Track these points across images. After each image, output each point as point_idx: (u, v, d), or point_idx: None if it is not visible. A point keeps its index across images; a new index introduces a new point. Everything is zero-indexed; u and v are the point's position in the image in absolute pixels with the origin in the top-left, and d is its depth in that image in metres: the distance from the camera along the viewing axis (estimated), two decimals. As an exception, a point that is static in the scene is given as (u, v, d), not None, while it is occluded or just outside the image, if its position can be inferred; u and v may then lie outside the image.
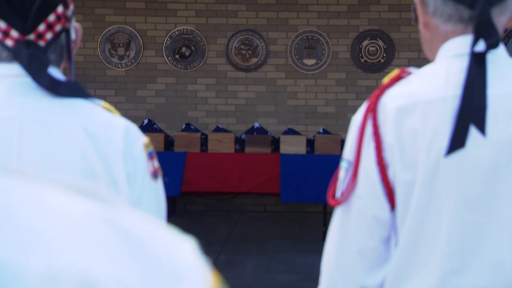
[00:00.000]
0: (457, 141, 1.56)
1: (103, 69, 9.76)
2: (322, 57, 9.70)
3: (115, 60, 9.74)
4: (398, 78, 1.68)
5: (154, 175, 1.68)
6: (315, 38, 9.71)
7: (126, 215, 0.49)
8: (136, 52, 9.71)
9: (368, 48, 9.69)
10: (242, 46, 9.73)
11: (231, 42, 9.74)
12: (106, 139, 1.63)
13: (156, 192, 1.69)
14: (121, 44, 9.71)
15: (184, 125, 9.08)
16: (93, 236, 0.45)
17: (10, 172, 0.48)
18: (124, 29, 9.71)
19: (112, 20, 9.75)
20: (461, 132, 1.56)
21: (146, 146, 1.68)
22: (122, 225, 0.48)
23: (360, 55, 9.70)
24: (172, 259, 0.48)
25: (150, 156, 1.68)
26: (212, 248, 7.46)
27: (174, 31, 9.71)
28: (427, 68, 1.68)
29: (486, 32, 1.59)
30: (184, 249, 0.50)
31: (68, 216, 0.46)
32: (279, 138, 8.62)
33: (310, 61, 9.71)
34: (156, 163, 1.70)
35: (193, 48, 9.72)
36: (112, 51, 9.73)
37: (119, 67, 9.75)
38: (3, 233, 0.43)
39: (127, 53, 9.72)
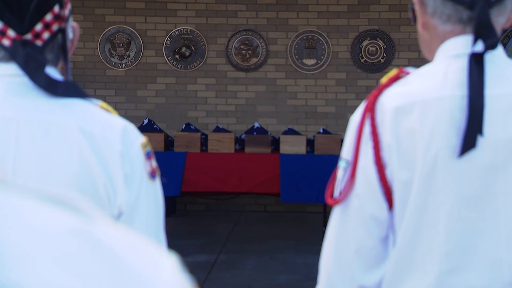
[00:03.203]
0: (469, 142, 1.57)
1: (103, 69, 9.76)
2: (322, 57, 9.71)
3: (115, 60, 9.74)
4: (396, 78, 1.69)
5: (152, 175, 1.68)
6: (315, 38, 9.71)
7: (105, 229, 0.47)
8: (136, 52, 9.71)
9: (368, 48, 9.69)
10: (242, 46, 9.73)
11: (231, 42, 9.74)
12: (103, 139, 1.62)
13: (154, 192, 1.68)
14: (121, 44, 9.71)
15: (184, 125, 9.09)
16: (66, 252, 0.44)
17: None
18: (124, 29, 9.72)
19: (112, 20, 9.75)
20: (472, 132, 1.57)
21: (144, 146, 1.67)
22: (100, 240, 0.46)
23: (360, 55, 9.70)
24: (151, 277, 0.46)
25: (148, 156, 1.67)
26: (212, 248, 7.46)
27: (174, 31, 9.71)
28: (425, 68, 1.68)
29: (485, 33, 1.60)
30: (166, 267, 0.48)
31: (42, 231, 0.44)
32: (279, 138, 8.62)
33: (310, 61, 9.71)
34: (154, 163, 1.70)
35: (193, 48, 9.72)
36: (112, 51, 9.73)
37: (119, 67, 9.75)
38: None
39: (127, 53, 9.72)
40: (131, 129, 1.67)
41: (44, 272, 0.42)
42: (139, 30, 9.72)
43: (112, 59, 9.75)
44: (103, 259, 0.45)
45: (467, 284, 1.60)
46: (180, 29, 9.72)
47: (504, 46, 9.57)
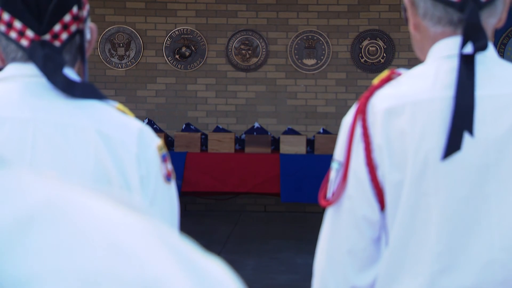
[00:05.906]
0: (453, 144, 1.57)
1: (103, 69, 9.76)
2: (322, 57, 9.71)
3: (115, 60, 9.75)
4: (387, 79, 1.69)
5: (167, 178, 1.67)
6: (315, 38, 9.71)
7: (174, 236, 0.47)
8: (136, 52, 9.71)
9: (368, 48, 9.69)
10: (242, 46, 9.73)
11: (231, 42, 9.74)
12: (119, 142, 1.62)
13: (169, 195, 1.68)
14: (121, 44, 9.72)
15: (184, 125, 9.09)
16: (156, 248, 0.44)
17: (70, 186, 0.46)
18: (124, 29, 9.72)
19: (112, 20, 9.75)
20: (457, 134, 1.57)
21: (160, 148, 1.67)
22: (175, 244, 0.46)
23: (360, 55, 9.70)
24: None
25: (163, 158, 1.67)
26: (212, 248, 7.46)
27: (174, 31, 9.71)
28: (416, 69, 1.69)
29: (474, 35, 1.60)
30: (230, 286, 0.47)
31: (130, 228, 0.44)
32: (279, 138, 8.63)
33: (310, 61, 9.71)
34: (169, 166, 1.69)
35: (193, 48, 9.73)
36: (112, 51, 9.74)
37: (119, 67, 9.75)
38: (78, 245, 0.42)
39: (127, 53, 9.72)
40: (148, 132, 1.67)
41: (145, 263, 0.42)
42: (139, 30, 9.73)
43: (112, 59, 9.75)
44: (183, 263, 0.44)
45: (459, 284, 1.61)
46: (180, 29, 9.72)
47: (504, 46, 9.57)
